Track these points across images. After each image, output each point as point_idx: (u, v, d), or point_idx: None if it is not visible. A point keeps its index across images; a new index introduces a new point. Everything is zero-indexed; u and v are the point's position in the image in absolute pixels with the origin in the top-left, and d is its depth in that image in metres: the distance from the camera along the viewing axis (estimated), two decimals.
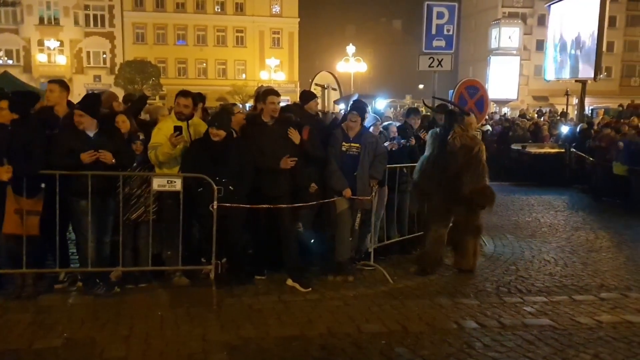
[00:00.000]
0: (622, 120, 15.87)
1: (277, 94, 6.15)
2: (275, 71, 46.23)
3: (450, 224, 6.76)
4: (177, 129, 5.57)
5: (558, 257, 7.60)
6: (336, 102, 13.40)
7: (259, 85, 13.01)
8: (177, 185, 5.40)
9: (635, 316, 5.42)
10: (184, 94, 5.98)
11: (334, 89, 13.55)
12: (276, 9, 51.38)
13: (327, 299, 5.66)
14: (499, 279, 6.57)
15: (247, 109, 17.34)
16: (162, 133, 5.70)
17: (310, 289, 5.88)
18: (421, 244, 7.60)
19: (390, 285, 6.14)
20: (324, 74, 13.22)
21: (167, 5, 48.98)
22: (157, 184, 5.46)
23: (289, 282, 5.98)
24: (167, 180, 5.46)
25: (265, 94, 6.12)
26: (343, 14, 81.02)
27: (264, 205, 5.81)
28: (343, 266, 6.29)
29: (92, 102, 5.72)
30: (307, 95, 7.20)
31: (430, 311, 5.43)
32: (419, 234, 7.51)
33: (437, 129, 6.78)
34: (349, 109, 6.72)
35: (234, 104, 7.60)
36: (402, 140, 7.17)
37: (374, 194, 6.45)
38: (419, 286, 6.21)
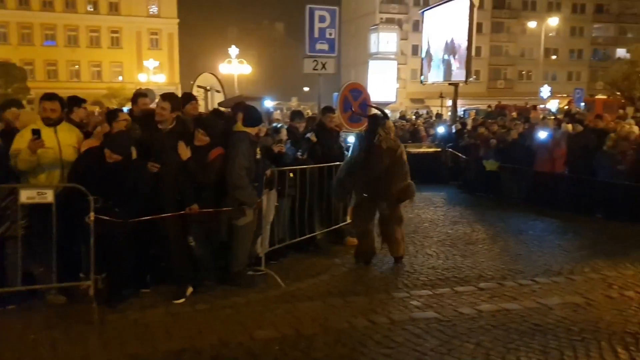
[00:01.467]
0: (489, 120, 17.06)
1: (150, 95, 5.94)
2: (155, 73, 44.75)
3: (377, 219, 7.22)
4: (35, 132, 5.15)
5: (439, 251, 7.97)
6: (220, 104, 13.14)
7: (138, 87, 12.47)
8: (49, 196, 4.97)
9: (511, 304, 5.78)
10: (48, 97, 5.58)
11: (218, 91, 13.26)
12: (154, 9, 49.83)
13: (218, 307, 5.49)
14: (386, 275, 6.77)
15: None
16: (24, 139, 5.26)
17: (182, 300, 5.59)
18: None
19: (282, 289, 6.08)
20: (207, 76, 12.88)
21: (32, 3, 45.82)
22: (26, 196, 4.98)
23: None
24: (37, 192, 5.01)
25: (136, 94, 5.97)
26: (223, 15, 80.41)
27: (147, 217, 5.44)
28: (240, 276, 6.11)
29: None
30: (185, 98, 6.94)
31: (322, 312, 5.44)
32: (310, 235, 7.57)
33: (363, 133, 7.20)
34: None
35: (120, 110, 6.96)
36: (298, 153, 7.30)
37: (264, 196, 6.37)
38: (311, 288, 6.22)
